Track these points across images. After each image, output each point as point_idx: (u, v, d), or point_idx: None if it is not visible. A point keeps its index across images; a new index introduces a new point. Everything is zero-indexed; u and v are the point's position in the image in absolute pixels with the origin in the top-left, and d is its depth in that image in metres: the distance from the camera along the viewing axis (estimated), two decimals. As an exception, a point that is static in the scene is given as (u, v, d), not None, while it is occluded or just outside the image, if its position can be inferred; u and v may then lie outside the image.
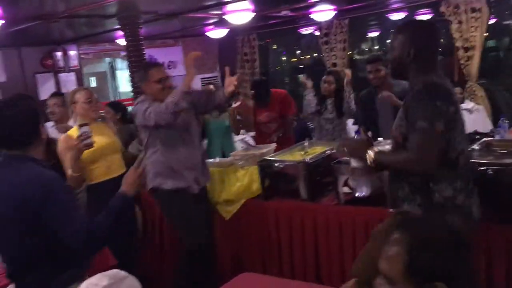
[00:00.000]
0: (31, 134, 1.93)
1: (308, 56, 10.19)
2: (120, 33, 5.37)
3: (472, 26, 6.11)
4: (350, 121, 4.89)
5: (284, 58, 10.82)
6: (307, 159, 3.08)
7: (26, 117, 1.90)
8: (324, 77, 4.52)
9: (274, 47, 10.05)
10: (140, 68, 3.30)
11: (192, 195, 3.18)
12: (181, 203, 3.18)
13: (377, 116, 4.01)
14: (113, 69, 8.17)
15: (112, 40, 6.58)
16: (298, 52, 10.49)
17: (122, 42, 5.78)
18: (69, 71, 6.57)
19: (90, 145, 2.88)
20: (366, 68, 4.08)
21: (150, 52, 6.48)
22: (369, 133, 2.60)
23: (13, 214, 1.87)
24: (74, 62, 6.61)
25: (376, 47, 9.75)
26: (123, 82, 8.06)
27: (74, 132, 3.30)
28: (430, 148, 1.89)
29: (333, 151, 3.24)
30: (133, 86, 4.78)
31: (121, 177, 3.32)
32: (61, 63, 6.46)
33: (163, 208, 3.39)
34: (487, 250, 2.38)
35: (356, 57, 9.59)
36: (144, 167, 2.40)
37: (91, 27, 5.60)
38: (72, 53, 6.60)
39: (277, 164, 3.16)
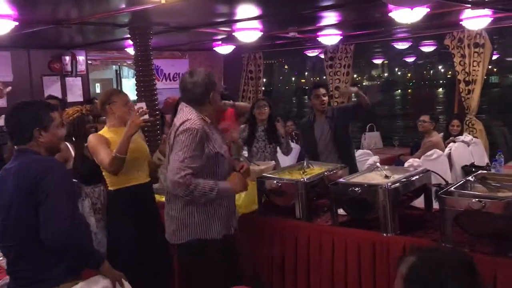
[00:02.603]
0: (28, 135, 2.17)
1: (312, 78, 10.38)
2: (130, 42, 5.47)
3: (474, 61, 6.23)
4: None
5: (293, 78, 11.00)
6: (305, 178, 3.13)
7: (25, 120, 2.17)
8: (259, 103, 4.57)
9: (285, 67, 10.24)
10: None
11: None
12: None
13: (317, 142, 4.23)
14: (119, 76, 8.27)
15: (120, 48, 6.69)
16: (296, 73, 10.68)
17: (131, 51, 5.87)
18: (76, 75, 6.65)
19: (147, 121, 2.94)
20: (312, 92, 4.29)
21: (157, 63, 6.57)
22: None
23: (20, 198, 2.03)
24: (81, 67, 6.70)
25: (386, 74, 10.05)
26: (128, 90, 8.15)
27: (105, 133, 3.18)
28: None
29: (331, 172, 3.29)
30: (137, 94, 4.84)
31: (145, 185, 3.24)
32: (68, 67, 6.54)
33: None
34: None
35: (365, 82, 9.89)
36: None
37: (100, 34, 5.70)
38: (80, 58, 6.69)
39: (275, 181, 3.21)
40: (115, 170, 3.00)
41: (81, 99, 6.44)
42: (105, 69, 8.16)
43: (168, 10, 4.10)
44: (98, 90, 8.23)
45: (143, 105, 2.91)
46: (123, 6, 3.95)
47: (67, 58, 6.54)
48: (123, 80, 8.24)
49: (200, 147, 2.54)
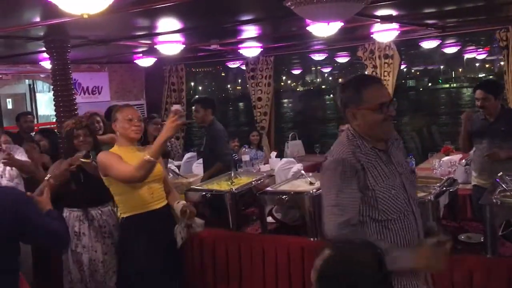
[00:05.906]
0: None
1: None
2: (45, 55, 5.24)
3: (385, 71, 6.68)
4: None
5: (210, 90, 11.12)
6: (234, 189, 3.19)
7: None
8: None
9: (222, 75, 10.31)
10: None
11: None
12: None
13: None
14: (33, 91, 7.86)
15: (34, 62, 6.37)
16: (225, 85, 10.86)
17: (46, 64, 5.63)
18: (-15, 91, 6.25)
19: (186, 123, 2.81)
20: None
21: (74, 76, 6.35)
22: None
23: None
24: (-10, 82, 6.30)
25: (319, 80, 10.63)
26: (43, 105, 7.78)
27: (114, 151, 2.87)
28: None
29: (259, 181, 3.38)
30: (56, 109, 4.63)
31: (162, 210, 2.87)
32: (-25, 83, 6.13)
33: None
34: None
35: (300, 88, 10.45)
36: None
37: (12, 48, 5.40)
38: (-11, 72, 6.30)
39: (204, 193, 3.23)
40: (143, 176, 2.65)
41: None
42: (17, 83, 7.70)
43: (87, 23, 3.98)
44: (9, 106, 7.77)
45: (178, 107, 2.61)
46: (38, 19, 3.80)
47: (-26, 73, 6.13)
48: (37, 94, 7.83)
49: (353, 181, 1.82)
